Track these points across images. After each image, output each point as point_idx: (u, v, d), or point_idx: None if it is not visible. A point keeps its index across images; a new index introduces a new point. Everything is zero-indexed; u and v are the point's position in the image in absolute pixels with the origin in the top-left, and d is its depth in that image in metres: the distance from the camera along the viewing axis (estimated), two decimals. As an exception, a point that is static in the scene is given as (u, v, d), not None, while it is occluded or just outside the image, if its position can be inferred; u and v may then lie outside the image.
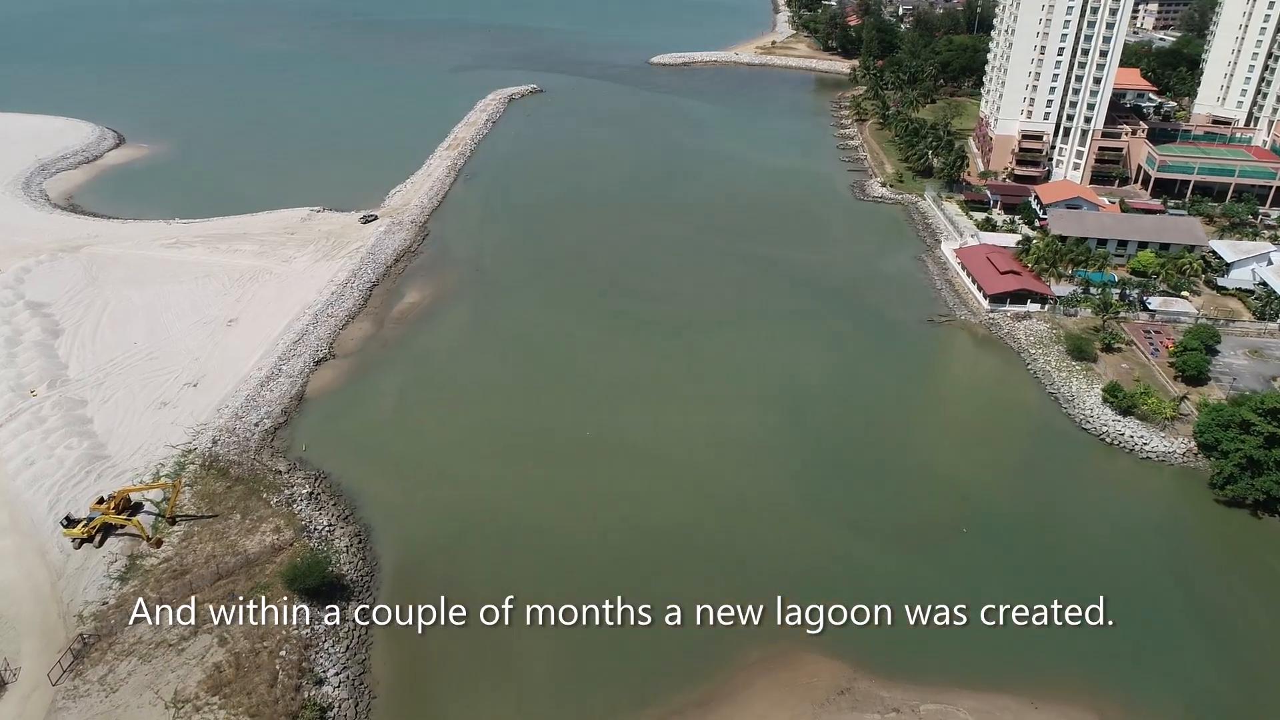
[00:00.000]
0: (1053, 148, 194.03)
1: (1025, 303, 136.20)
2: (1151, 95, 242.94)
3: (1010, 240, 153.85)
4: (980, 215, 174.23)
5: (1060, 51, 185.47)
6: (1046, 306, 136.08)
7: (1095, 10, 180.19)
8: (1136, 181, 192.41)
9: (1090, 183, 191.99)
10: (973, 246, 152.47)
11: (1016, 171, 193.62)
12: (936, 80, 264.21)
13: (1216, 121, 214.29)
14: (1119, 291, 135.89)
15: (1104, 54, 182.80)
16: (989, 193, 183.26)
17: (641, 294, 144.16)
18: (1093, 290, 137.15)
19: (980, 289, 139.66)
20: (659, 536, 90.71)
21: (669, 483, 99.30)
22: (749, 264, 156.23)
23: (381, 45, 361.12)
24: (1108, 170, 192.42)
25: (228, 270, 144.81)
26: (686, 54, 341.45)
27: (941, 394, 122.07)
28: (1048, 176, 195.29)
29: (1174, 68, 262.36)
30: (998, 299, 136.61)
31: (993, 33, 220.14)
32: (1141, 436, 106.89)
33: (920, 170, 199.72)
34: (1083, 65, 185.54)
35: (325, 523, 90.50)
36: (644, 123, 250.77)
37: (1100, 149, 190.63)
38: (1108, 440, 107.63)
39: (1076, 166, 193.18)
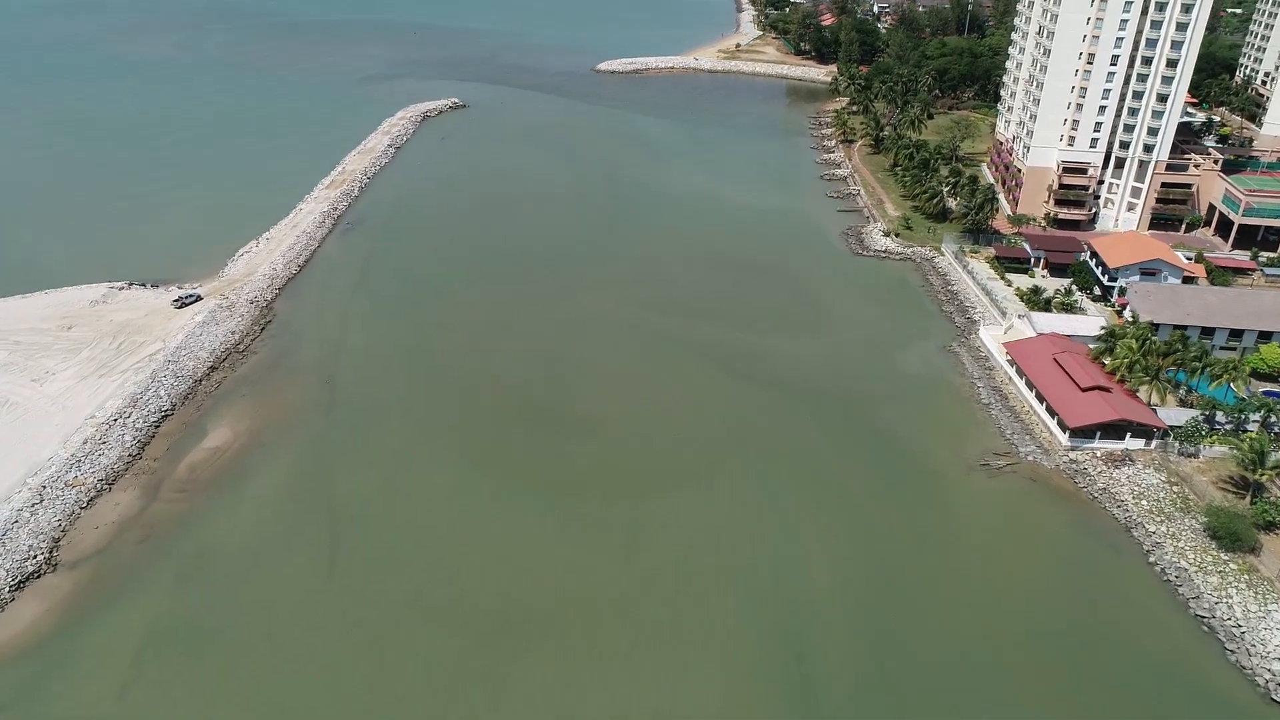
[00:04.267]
0: (1100, 183, 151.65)
1: (1123, 436, 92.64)
2: (1189, 109, 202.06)
3: (1082, 328, 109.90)
4: (1022, 280, 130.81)
5: (1114, 61, 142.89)
6: (1154, 442, 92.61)
7: (1162, 7, 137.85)
8: (1209, 226, 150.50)
9: (1149, 228, 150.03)
10: (1029, 340, 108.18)
11: (1058, 214, 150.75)
12: (933, 91, 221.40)
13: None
14: (1260, 419, 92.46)
15: (1172, 64, 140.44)
16: (1028, 246, 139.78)
17: (564, 426, 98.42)
18: (1221, 419, 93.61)
19: (1053, 414, 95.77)
20: None
21: None
22: (717, 365, 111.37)
23: (290, 51, 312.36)
24: (1172, 212, 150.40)
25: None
26: (638, 59, 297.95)
27: (1023, 620, 74.78)
28: (1094, 219, 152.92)
29: (1213, 75, 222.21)
30: (1082, 432, 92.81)
31: (1014, 35, 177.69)
32: (1385, 727, 63.58)
33: (932, 213, 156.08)
34: (1143, 79, 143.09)
35: None
36: (585, 147, 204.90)
37: (1163, 185, 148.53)
38: (1325, 730, 64.17)
39: (1132, 207, 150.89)
